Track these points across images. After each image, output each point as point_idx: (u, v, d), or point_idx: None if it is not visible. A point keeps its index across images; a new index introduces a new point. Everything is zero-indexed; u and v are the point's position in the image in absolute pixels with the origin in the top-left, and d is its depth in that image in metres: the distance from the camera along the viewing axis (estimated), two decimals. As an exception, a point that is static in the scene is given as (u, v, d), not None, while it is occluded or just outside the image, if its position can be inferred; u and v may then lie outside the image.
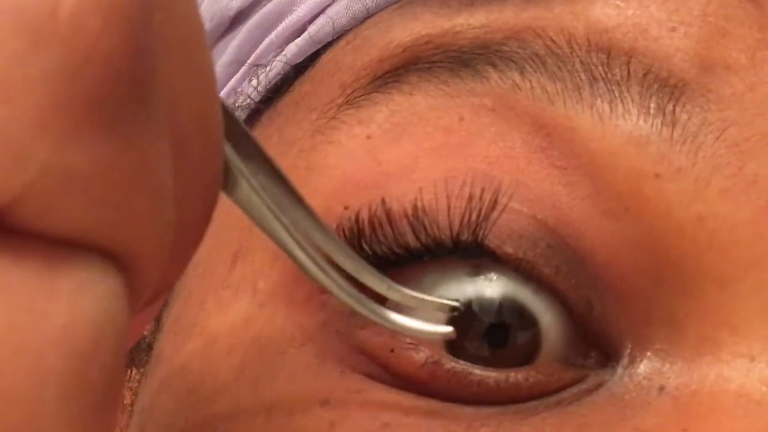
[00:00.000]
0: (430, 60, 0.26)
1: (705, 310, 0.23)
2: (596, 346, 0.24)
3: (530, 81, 0.25)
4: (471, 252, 0.24)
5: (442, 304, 0.23)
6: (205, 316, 0.27)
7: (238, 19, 0.33)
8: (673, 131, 0.24)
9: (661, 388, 0.23)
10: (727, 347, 0.23)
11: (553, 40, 0.25)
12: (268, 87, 0.31)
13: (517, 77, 0.25)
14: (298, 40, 0.30)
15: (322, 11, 0.30)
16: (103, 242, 0.14)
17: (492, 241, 0.24)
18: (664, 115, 0.24)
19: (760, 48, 0.24)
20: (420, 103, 0.26)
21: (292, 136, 0.28)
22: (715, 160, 0.23)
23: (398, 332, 0.23)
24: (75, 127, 0.13)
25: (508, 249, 0.24)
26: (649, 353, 0.24)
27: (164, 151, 0.14)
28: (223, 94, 0.32)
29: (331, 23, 0.29)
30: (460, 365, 0.23)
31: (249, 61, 0.32)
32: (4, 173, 0.13)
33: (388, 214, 0.24)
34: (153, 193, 0.14)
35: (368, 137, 0.26)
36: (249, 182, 0.19)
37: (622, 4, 0.25)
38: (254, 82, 0.31)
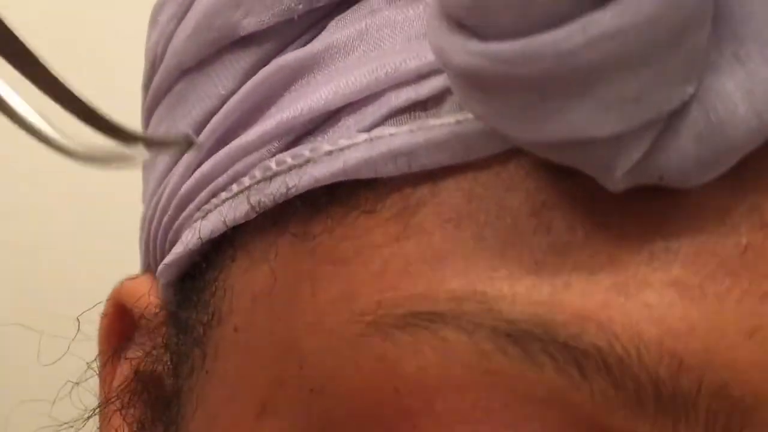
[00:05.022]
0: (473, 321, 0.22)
1: None
2: None
3: (591, 383, 0.21)
4: None
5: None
6: None
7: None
8: None
9: None
10: None
11: (618, 338, 0.21)
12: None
13: (575, 374, 0.21)
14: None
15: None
16: None
17: None
18: None
19: None
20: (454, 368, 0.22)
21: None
22: None
23: None
24: None
25: None
26: None
27: None
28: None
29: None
30: None
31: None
32: None
33: None
34: None
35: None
36: None
37: (695, 307, 0.21)
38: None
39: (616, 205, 0.22)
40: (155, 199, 0.29)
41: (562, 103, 0.20)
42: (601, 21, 0.19)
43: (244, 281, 0.26)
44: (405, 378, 0.22)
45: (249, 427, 0.24)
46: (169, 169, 0.28)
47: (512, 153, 0.22)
